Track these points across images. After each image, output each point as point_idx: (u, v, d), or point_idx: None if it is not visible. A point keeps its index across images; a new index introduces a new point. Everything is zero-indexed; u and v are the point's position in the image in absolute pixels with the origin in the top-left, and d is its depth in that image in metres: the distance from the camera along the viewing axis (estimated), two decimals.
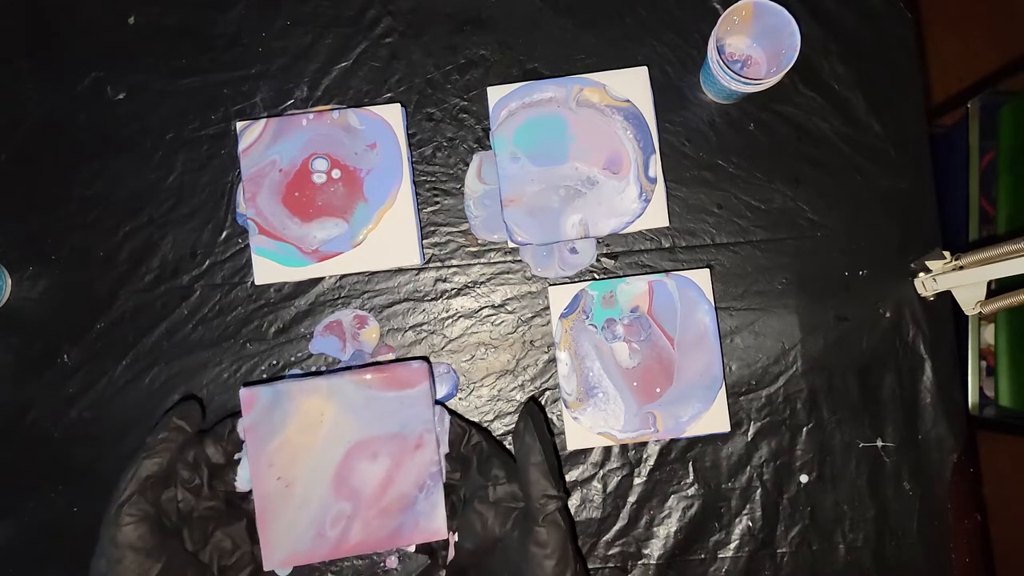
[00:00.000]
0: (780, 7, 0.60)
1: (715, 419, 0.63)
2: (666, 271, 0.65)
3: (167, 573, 0.52)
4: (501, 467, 0.57)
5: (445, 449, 0.60)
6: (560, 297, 0.64)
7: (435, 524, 0.59)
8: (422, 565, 0.62)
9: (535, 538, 0.52)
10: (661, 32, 0.69)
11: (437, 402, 0.62)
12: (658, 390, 0.62)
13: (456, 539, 0.58)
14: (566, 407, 0.63)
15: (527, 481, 0.54)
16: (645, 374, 0.63)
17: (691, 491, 0.66)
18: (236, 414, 0.59)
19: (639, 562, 0.66)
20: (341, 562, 0.65)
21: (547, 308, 0.67)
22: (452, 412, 0.62)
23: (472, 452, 0.59)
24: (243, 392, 0.58)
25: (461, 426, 0.60)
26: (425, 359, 0.65)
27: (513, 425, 0.66)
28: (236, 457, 0.58)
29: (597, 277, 0.68)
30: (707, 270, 0.64)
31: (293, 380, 0.60)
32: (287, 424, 0.58)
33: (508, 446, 0.65)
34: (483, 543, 0.56)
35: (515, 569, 0.54)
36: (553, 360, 0.67)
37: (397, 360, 0.66)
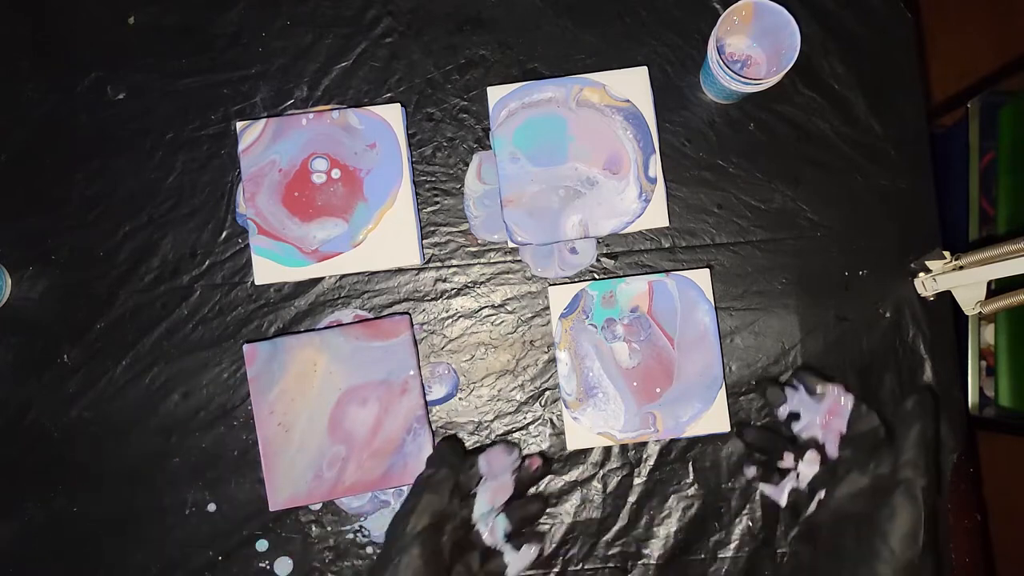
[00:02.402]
0: (780, 7, 0.60)
1: (715, 419, 0.63)
2: (666, 271, 0.65)
3: None
4: (891, 451, 0.56)
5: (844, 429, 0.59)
6: (560, 297, 0.64)
7: (423, 465, 0.61)
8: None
9: (888, 506, 0.51)
10: (661, 32, 0.69)
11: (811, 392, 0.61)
12: (658, 390, 0.62)
13: (822, 496, 0.57)
14: (566, 407, 0.63)
15: (898, 449, 0.53)
16: (645, 374, 0.63)
17: (691, 491, 0.66)
18: (478, 450, 0.61)
19: (639, 562, 0.66)
20: (341, 562, 0.65)
21: (547, 308, 0.67)
22: (857, 398, 0.60)
23: (870, 437, 0.58)
24: (246, 347, 0.63)
25: (858, 408, 0.59)
26: (407, 314, 0.67)
27: (520, 424, 0.66)
28: (472, 492, 0.59)
29: (597, 277, 0.68)
30: (707, 270, 0.64)
31: (289, 335, 0.64)
32: (284, 374, 0.63)
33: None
34: (847, 509, 0.55)
35: (866, 542, 0.51)
36: (553, 360, 0.67)
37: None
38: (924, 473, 0.52)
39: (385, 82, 0.69)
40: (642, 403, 0.62)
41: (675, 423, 0.62)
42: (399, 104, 0.67)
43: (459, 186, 0.68)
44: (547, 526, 0.66)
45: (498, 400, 0.67)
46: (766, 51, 0.66)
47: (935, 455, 0.54)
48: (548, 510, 0.66)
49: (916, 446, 0.53)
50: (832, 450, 0.59)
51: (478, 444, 0.67)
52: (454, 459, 0.59)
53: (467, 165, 0.68)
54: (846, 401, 0.59)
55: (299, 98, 0.69)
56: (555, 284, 0.66)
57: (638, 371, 0.63)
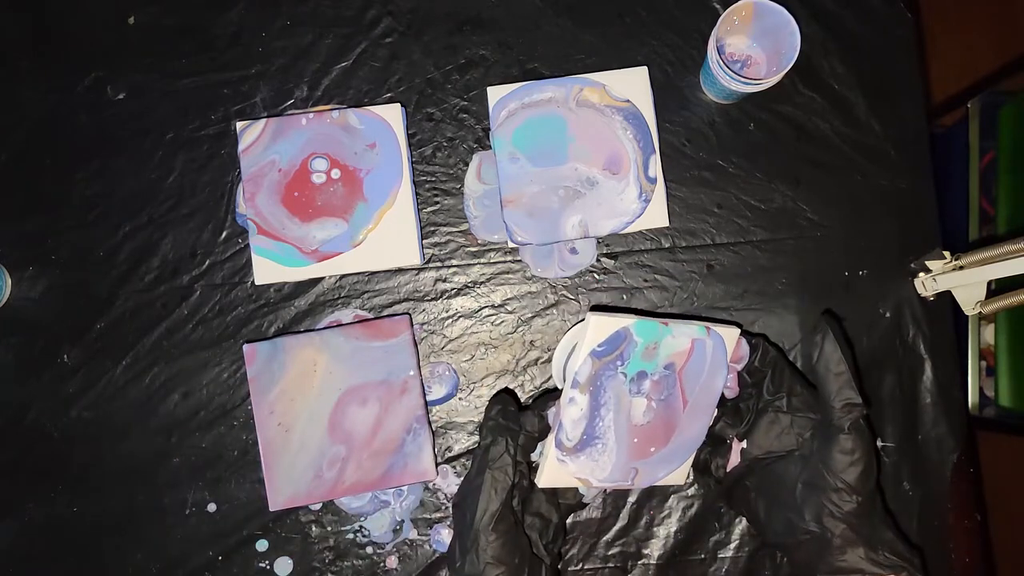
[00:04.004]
0: (780, 7, 0.60)
1: (679, 475, 0.60)
2: (706, 322, 0.58)
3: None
4: (796, 379, 0.57)
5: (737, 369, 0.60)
6: (601, 330, 0.55)
7: (423, 465, 0.63)
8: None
9: (840, 446, 0.52)
10: (661, 32, 0.69)
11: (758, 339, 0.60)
12: (652, 449, 0.58)
13: (744, 446, 0.58)
14: (557, 448, 0.56)
15: (829, 390, 0.54)
16: (648, 433, 0.58)
17: (691, 491, 0.66)
18: (548, 393, 0.60)
19: (639, 562, 0.66)
20: (341, 562, 0.65)
21: (547, 308, 0.67)
22: (745, 331, 0.61)
23: (766, 365, 0.59)
24: (246, 347, 0.63)
25: (753, 341, 0.60)
26: (407, 315, 0.67)
27: None
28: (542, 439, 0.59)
29: (598, 276, 0.68)
30: (737, 329, 0.58)
31: (289, 335, 0.64)
32: (284, 374, 0.63)
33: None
34: (774, 450, 0.57)
35: (812, 476, 0.54)
36: (552, 361, 0.67)
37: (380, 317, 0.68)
38: (860, 401, 0.53)
39: (385, 82, 0.69)
40: (632, 459, 0.58)
41: (651, 479, 0.59)
42: (399, 104, 0.67)
43: (459, 186, 0.68)
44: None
45: None
46: (766, 51, 0.66)
47: (858, 377, 0.55)
48: None
49: (845, 383, 0.53)
50: (729, 392, 0.60)
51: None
52: (508, 422, 0.56)
53: (467, 165, 0.68)
54: (742, 344, 0.59)
55: (299, 98, 0.69)
56: (597, 312, 0.55)
57: (644, 429, 0.58)
